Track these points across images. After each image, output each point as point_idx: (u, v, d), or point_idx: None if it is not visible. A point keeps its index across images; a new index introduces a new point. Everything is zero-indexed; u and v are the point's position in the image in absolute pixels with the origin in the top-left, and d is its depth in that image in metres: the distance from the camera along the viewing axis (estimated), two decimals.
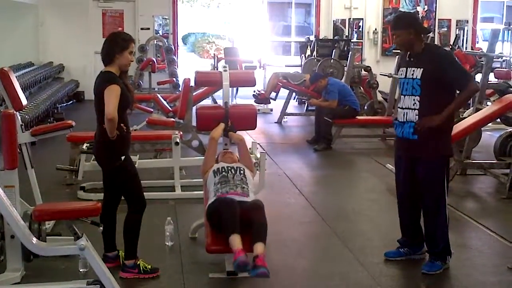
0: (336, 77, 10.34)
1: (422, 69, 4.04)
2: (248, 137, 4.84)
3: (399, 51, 8.64)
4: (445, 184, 4.13)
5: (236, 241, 3.71)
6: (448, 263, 4.20)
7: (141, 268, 4.02)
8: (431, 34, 13.59)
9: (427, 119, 4.00)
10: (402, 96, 4.17)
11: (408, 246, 4.37)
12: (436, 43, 13.81)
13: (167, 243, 4.58)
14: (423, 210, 4.24)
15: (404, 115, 4.13)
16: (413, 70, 4.08)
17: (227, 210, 3.88)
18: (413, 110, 4.07)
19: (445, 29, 14.07)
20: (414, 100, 4.06)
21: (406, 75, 4.13)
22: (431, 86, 4.01)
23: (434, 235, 4.18)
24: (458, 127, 6.65)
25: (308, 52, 12.47)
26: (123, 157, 3.97)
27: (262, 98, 10.55)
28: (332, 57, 11.15)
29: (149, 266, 4.05)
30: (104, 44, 3.97)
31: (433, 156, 4.09)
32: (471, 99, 10.51)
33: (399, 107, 4.21)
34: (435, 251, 4.19)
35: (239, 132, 4.76)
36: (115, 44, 3.93)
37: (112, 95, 3.80)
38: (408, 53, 4.19)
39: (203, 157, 4.73)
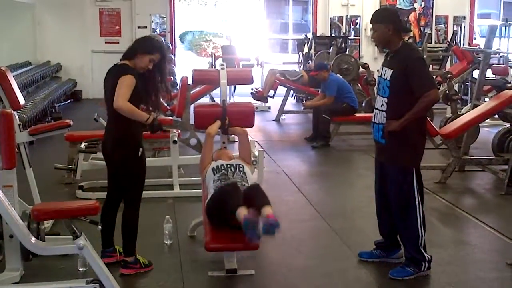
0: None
1: (392, 70, 3.89)
2: None
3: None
4: (415, 195, 3.93)
5: (243, 210, 3.71)
6: (426, 270, 4.00)
7: (142, 262, 4.06)
8: (428, 30, 13.61)
9: (386, 123, 3.87)
10: (377, 96, 4.07)
11: (381, 249, 4.28)
12: (433, 39, 13.84)
13: (166, 242, 4.58)
14: (393, 216, 4.09)
15: (375, 115, 4.02)
16: (385, 70, 3.94)
17: (230, 190, 3.94)
18: (381, 112, 3.94)
19: (442, 25, 14.07)
20: (382, 101, 3.94)
21: (381, 74, 4.00)
22: (398, 89, 3.85)
23: (404, 241, 4.06)
24: (455, 124, 6.66)
25: (306, 50, 12.45)
26: (141, 149, 4.00)
27: (260, 96, 10.54)
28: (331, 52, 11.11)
29: (145, 260, 4.10)
30: (135, 41, 4.16)
31: (397, 165, 3.94)
32: (469, 96, 10.60)
33: (374, 107, 4.10)
34: (407, 256, 4.05)
35: None
36: (143, 44, 4.06)
37: (123, 84, 3.83)
38: (387, 51, 4.03)
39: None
